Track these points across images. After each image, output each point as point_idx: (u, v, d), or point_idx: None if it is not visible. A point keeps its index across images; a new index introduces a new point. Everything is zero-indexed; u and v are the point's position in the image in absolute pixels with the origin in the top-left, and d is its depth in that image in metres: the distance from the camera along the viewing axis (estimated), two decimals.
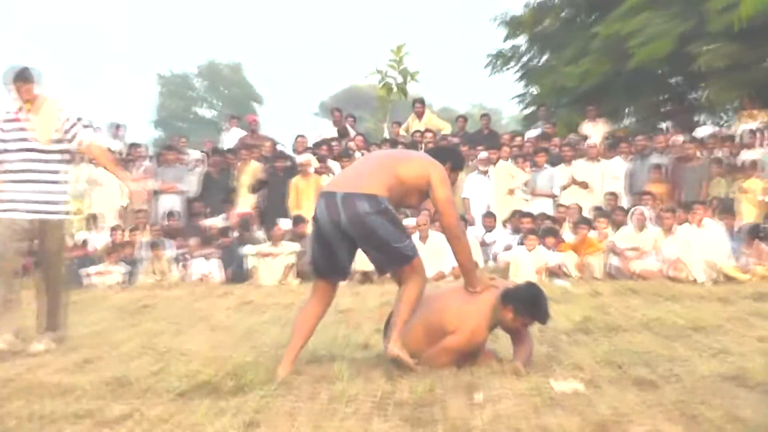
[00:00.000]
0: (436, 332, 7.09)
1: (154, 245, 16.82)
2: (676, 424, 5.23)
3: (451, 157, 7.65)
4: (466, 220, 16.46)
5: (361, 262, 14.80)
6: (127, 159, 19.61)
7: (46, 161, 8.67)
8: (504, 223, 17.63)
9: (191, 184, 19.37)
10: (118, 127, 22.55)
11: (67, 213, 8.97)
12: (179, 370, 6.94)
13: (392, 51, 23.49)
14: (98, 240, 17.25)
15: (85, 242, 16.80)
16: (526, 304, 7.10)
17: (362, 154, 18.75)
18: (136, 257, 16.94)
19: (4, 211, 8.62)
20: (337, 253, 7.02)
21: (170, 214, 18.29)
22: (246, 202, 18.83)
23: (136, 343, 8.68)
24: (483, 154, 18.69)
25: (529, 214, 17.26)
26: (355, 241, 6.94)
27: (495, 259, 16.51)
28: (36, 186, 8.62)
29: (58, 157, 8.73)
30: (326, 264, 7.13)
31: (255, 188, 18.89)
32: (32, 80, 8.75)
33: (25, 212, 8.61)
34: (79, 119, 8.87)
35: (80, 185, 18.33)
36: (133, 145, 20.31)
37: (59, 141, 8.72)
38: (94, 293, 14.36)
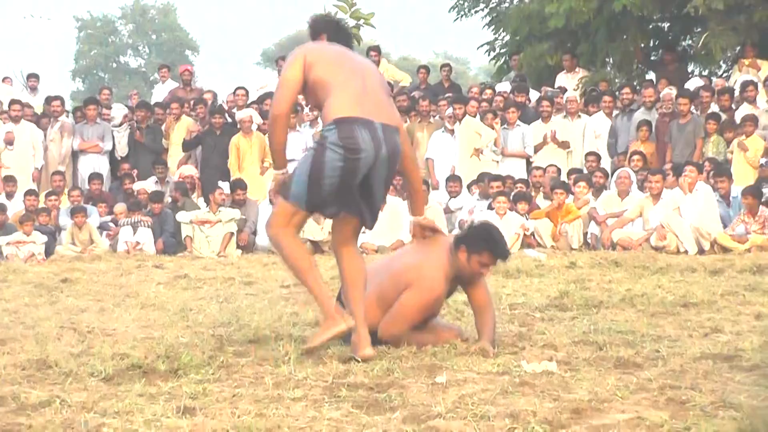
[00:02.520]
0: (392, 294, 7.18)
1: (75, 212, 16.73)
2: (661, 410, 5.23)
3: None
4: (428, 184, 16.51)
5: (310, 230, 15.03)
6: (43, 115, 19.53)
7: None
8: (470, 187, 17.61)
9: (117, 142, 19.32)
10: (30, 77, 22.47)
11: None
12: (104, 352, 6.95)
13: None
14: (13, 207, 17.17)
15: (1, 207, 16.70)
16: (479, 239, 7.20)
17: (310, 113, 18.72)
18: (54, 226, 16.90)
19: None
20: (375, 192, 7.05)
21: (93, 177, 18.22)
22: (180, 163, 18.79)
23: (55, 322, 8.65)
24: (448, 111, 18.71)
25: (498, 177, 17.30)
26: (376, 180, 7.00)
27: (461, 227, 16.58)
28: None
29: None
30: (358, 206, 7.07)
31: (187, 145, 18.81)
32: None
33: None
34: None
35: None
36: (50, 99, 20.13)
37: None
38: (7, 266, 14.33)
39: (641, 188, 16.36)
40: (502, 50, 25.82)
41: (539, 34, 23.60)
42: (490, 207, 16.20)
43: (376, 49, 22.03)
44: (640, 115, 18.40)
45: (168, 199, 17.53)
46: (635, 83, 20.97)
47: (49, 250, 16.18)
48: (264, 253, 15.74)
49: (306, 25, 7.63)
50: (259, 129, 18.38)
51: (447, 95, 20.02)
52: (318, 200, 6.88)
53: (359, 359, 6.65)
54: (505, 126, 18.66)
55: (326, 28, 7.43)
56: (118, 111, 20.26)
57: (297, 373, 6.30)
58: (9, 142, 18.34)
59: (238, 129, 18.38)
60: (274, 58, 26.49)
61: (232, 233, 16.33)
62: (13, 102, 19.20)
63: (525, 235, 15.87)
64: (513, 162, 18.55)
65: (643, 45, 24.04)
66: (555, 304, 9.35)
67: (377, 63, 21.41)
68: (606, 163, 18.07)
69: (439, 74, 22.78)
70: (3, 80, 22.06)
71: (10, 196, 17.53)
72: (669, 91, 18.78)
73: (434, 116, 19.02)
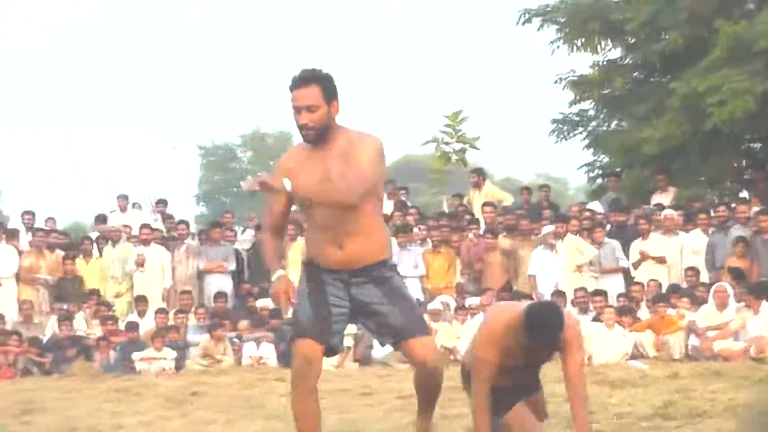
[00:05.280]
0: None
1: (213, 327, 16.91)
2: None
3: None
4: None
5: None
6: (169, 237, 19.82)
7: None
8: (573, 303, 17.50)
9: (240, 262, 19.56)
10: (158, 202, 22.88)
11: None
12: None
13: (448, 117, 23.22)
14: (145, 324, 17.38)
15: (133, 325, 16.94)
16: (527, 319, 6.76)
17: (419, 229, 18.89)
18: (183, 341, 17.07)
19: None
20: None
21: (218, 296, 18.42)
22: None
23: None
24: (549, 228, 18.67)
25: (600, 292, 17.26)
26: None
27: None
28: None
29: None
30: None
31: None
32: None
33: None
34: None
35: (128, 266, 18.58)
36: (177, 223, 20.46)
37: None
38: (140, 380, 14.49)
39: (739, 301, 16.18)
40: (600, 171, 25.81)
41: (636, 157, 23.61)
42: (594, 319, 16.13)
43: (478, 170, 22.02)
44: (736, 231, 18.15)
45: (287, 316, 17.63)
46: (729, 201, 20.76)
47: (178, 365, 16.36)
48: (379, 366, 15.75)
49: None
50: None
51: (548, 214, 19.96)
52: None
53: None
54: (597, 243, 18.55)
55: None
56: (249, 235, 20.60)
57: None
58: (140, 264, 18.64)
59: None
60: (385, 181, 26.56)
61: (349, 347, 16.36)
62: (143, 226, 19.55)
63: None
64: (611, 277, 18.41)
65: (735, 164, 23.92)
66: (660, 414, 9.23)
67: (479, 184, 21.47)
68: (704, 277, 17.85)
69: (539, 194, 22.73)
70: (133, 206, 22.43)
71: (141, 314, 17.76)
72: (756, 210, 18.64)
73: (536, 234, 18.99)
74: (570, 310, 17.06)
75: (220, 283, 19.09)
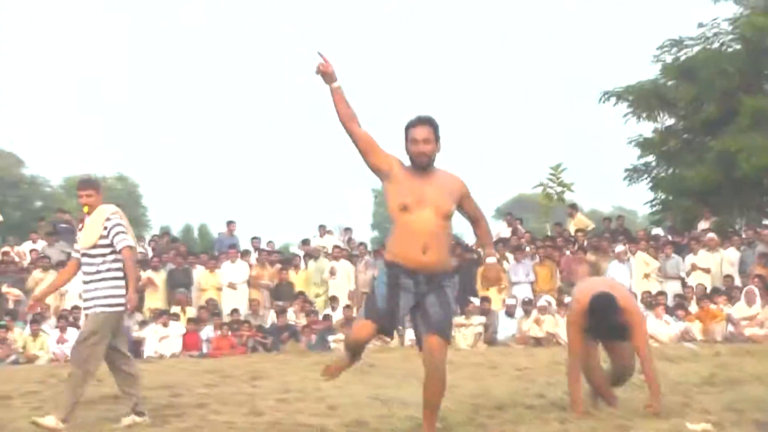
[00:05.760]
0: None
1: None
2: None
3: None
4: None
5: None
6: (353, 254, 19.94)
7: (91, 264, 7.50)
8: (641, 301, 17.17)
9: None
10: (346, 229, 23.14)
11: (111, 306, 7.41)
12: (401, 415, 7.04)
13: (552, 168, 23.21)
14: (336, 315, 17.51)
15: (328, 317, 17.11)
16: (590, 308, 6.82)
17: (529, 249, 18.71)
18: None
19: None
20: None
21: None
22: None
23: (366, 394, 8.81)
24: (621, 247, 18.36)
25: (661, 293, 16.92)
26: None
27: None
28: (87, 286, 7.53)
29: (100, 260, 7.44)
30: None
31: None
32: (88, 188, 7.66)
33: (84, 309, 7.83)
34: (117, 225, 7.49)
35: (325, 275, 18.76)
36: (358, 244, 20.69)
37: (102, 246, 7.45)
38: (334, 356, 14.51)
39: (763, 299, 15.79)
40: (660, 206, 25.65)
41: (685, 195, 23.50)
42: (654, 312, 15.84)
43: (573, 206, 21.86)
44: (760, 249, 17.79)
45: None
46: (754, 226, 20.26)
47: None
48: (502, 346, 15.61)
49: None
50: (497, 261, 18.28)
51: (622, 238, 19.64)
52: None
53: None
54: (664, 257, 18.19)
55: None
56: None
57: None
58: (333, 273, 18.74)
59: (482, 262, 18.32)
60: (504, 213, 26.44)
61: (480, 333, 16.25)
62: (335, 247, 19.71)
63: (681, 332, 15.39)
64: (672, 282, 18.02)
65: (758, 200, 23.64)
66: (706, 381, 9.00)
67: (572, 215, 21.29)
68: (738, 282, 17.40)
69: (616, 222, 22.41)
70: (328, 232, 22.51)
71: (334, 309, 17.74)
72: None
73: (613, 252, 18.65)
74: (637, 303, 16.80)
75: None
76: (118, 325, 7.53)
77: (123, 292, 7.41)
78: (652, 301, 16.41)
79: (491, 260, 6.11)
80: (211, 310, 17.20)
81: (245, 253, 19.39)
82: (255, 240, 20.53)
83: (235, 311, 17.19)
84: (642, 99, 24.88)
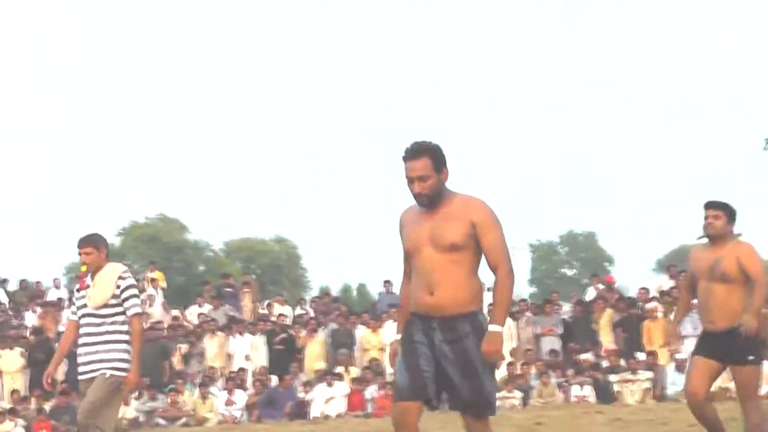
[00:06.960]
0: None
1: (543, 374, 16.80)
2: None
3: None
4: None
5: None
6: (513, 311, 19.78)
7: (98, 324, 7.18)
8: None
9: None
10: None
11: (118, 370, 7.10)
12: None
13: None
14: (499, 373, 17.36)
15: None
16: None
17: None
18: (527, 385, 17.00)
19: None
20: None
21: (552, 352, 18.25)
22: (607, 340, 18.53)
23: None
24: None
25: None
26: None
27: None
28: (88, 348, 7.19)
29: (110, 320, 7.16)
30: None
31: (614, 326, 18.63)
32: (87, 245, 7.31)
33: (81, 374, 7.32)
34: (131, 287, 7.27)
35: None
36: (519, 301, 20.54)
37: (113, 305, 7.18)
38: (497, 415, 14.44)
39: None
40: None
41: None
42: None
43: None
44: None
45: (604, 364, 17.30)
46: None
47: (524, 402, 16.26)
48: (672, 401, 15.15)
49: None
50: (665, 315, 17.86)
51: None
52: None
53: None
54: None
55: None
56: (569, 307, 20.47)
57: None
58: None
59: (647, 316, 17.95)
60: (666, 265, 25.84)
61: (648, 388, 15.86)
62: None
63: None
64: None
65: None
66: None
67: None
68: None
69: None
70: (488, 289, 22.47)
71: (497, 366, 17.70)
72: None
73: None
74: None
75: (552, 342, 18.88)
76: (119, 393, 7.21)
77: (128, 357, 7.15)
78: None
79: (495, 329, 5.21)
80: (375, 370, 17.37)
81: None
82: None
83: None
84: None
